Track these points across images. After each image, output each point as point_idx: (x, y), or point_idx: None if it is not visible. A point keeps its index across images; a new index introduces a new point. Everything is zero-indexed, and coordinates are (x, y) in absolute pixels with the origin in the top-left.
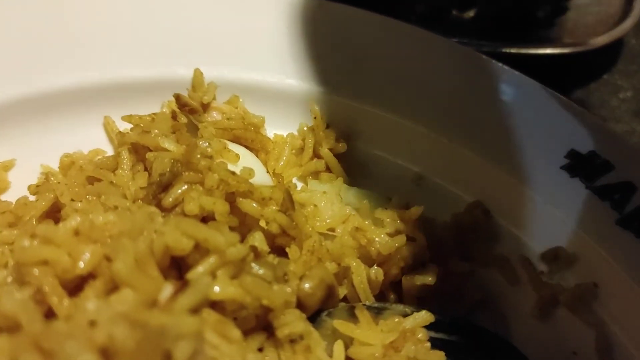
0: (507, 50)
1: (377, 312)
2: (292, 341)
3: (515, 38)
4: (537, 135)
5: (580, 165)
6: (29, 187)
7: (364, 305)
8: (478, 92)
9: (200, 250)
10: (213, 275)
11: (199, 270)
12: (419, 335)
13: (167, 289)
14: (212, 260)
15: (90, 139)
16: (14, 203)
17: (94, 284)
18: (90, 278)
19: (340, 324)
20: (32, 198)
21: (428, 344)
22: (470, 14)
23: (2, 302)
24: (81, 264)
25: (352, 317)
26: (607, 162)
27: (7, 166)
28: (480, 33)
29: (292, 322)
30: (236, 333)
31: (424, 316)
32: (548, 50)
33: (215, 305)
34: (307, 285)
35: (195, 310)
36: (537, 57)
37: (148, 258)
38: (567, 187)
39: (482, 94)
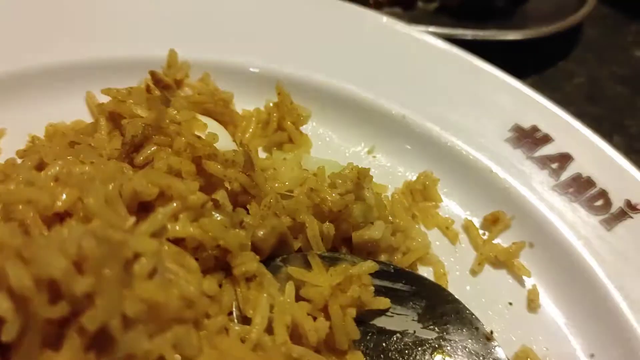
0: (464, 36)
1: (329, 262)
2: (248, 280)
3: (475, 26)
4: (484, 111)
5: (522, 138)
6: (17, 152)
7: (317, 254)
8: (430, 73)
9: (166, 197)
10: (175, 217)
11: (161, 211)
12: (364, 280)
13: (131, 220)
14: (174, 204)
15: (73, 111)
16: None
17: (69, 221)
18: (67, 216)
19: (293, 270)
20: (20, 161)
21: (372, 288)
22: (435, 5)
23: None
24: (59, 203)
25: (305, 264)
26: (547, 135)
27: None
28: (443, 23)
29: (247, 262)
30: (193, 264)
31: (369, 264)
32: (502, 37)
33: (177, 244)
34: (260, 233)
35: (155, 236)
36: (494, 43)
37: (117, 198)
38: (510, 157)
39: (437, 75)
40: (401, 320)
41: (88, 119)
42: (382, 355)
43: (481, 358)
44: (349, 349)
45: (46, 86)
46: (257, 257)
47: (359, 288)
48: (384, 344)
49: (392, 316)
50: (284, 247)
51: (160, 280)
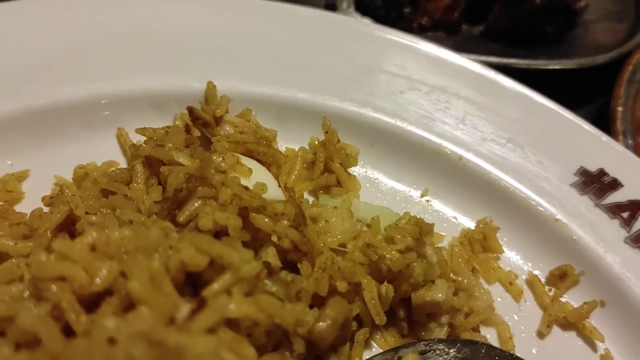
0: (516, 64)
1: None
2: None
3: (524, 53)
4: (547, 152)
5: (589, 183)
6: (43, 199)
7: None
8: (488, 111)
9: (215, 266)
10: (228, 292)
11: (215, 287)
12: None
13: (185, 308)
14: (227, 277)
15: (103, 150)
16: (28, 214)
17: (110, 300)
18: (107, 294)
19: None
20: (45, 209)
21: None
22: (480, 28)
23: (21, 318)
24: (98, 281)
25: None
26: (615, 180)
27: (21, 177)
28: (489, 48)
29: None
30: (251, 352)
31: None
32: (557, 66)
33: (230, 322)
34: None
35: (212, 329)
36: (546, 72)
37: (163, 275)
38: (576, 204)
39: (496, 112)
40: None
41: (119, 158)
42: None
43: None
44: None
45: (73, 123)
46: None
47: None
48: None
49: None
50: (343, 330)
51: None
